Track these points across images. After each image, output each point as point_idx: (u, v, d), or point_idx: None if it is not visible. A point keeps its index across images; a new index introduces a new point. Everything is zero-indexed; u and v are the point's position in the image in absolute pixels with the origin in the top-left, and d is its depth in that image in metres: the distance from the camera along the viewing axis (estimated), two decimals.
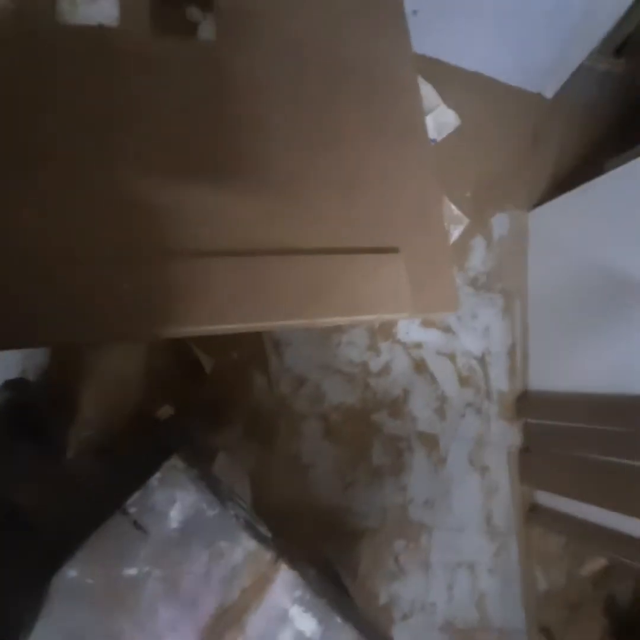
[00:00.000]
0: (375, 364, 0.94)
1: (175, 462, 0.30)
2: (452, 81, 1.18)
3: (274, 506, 0.82)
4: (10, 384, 0.65)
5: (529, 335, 1.08)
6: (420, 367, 0.98)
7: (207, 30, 0.54)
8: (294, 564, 0.31)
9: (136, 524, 0.28)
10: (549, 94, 1.27)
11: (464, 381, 1.01)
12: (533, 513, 0.95)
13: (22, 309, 0.32)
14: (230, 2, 0.45)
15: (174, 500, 0.29)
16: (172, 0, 0.52)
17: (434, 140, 1.11)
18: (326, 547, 0.84)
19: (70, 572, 0.26)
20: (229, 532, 0.30)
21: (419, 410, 0.96)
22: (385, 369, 0.95)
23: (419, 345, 0.99)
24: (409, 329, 0.99)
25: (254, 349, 0.86)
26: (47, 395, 0.76)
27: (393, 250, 0.41)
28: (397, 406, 0.95)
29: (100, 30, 0.41)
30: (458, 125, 1.14)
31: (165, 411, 0.74)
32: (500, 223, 1.14)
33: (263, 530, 0.33)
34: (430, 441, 0.95)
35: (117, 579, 0.26)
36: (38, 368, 0.76)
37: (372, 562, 0.86)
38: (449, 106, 1.15)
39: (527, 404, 1.00)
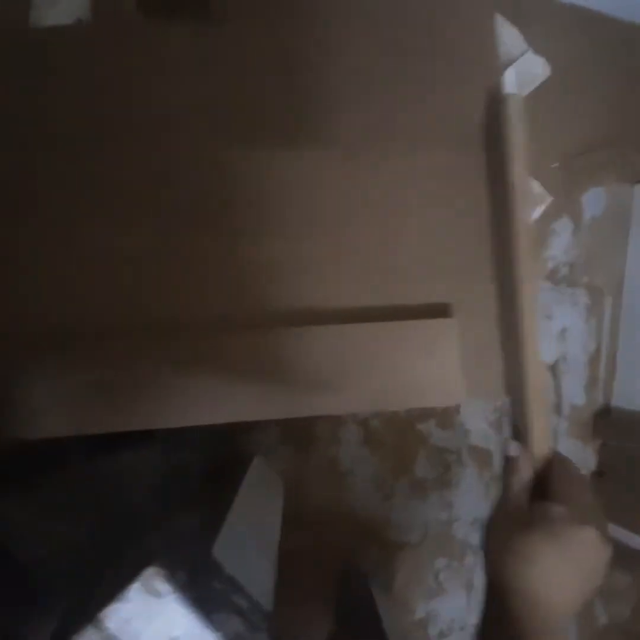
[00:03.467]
0: None
1: (155, 570, 0.26)
2: (542, 18, 0.94)
3: (310, 512, 0.80)
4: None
5: (619, 341, 0.90)
6: None
7: None
8: None
9: None
10: None
11: None
12: None
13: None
14: None
15: (152, 616, 0.26)
16: None
17: None
18: (362, 556, 0.82)
19: None
20: None
21: (472, 422, 0.87)
22: None
23: None
24: None
25: None
26: None
27: (443, 309, 0.32)
28: (447, 416, 0.86)
29: (81, 28, 0.34)
30: (548, 76, 0.92)
31: None
32: (594, 201, 0.93)
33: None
34: (483, 457, 0.86)
35: None
36: None
37: (410, 576, 0.83)
38: (538, 51, 0.92)
39: (608, 423, 0.85)
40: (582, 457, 0.88)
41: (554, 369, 0.89)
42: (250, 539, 0.50)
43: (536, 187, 0.91)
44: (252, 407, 0.29)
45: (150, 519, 0.44)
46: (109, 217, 0.31)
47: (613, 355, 0.90)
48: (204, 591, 0.28)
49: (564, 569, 0.28)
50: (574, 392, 0.89)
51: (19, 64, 0.32)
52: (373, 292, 0.30)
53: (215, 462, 0.75)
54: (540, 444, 0.31)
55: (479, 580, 0.84)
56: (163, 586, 0.25)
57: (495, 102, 0.31)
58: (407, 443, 0.85)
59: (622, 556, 0.81)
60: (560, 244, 0.91)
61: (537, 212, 0.91)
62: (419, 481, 0.84)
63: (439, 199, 0.31)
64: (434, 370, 0.29)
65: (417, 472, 0.85)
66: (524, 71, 0.91)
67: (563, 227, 0.91)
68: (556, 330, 0.90)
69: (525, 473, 0.32)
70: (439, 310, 0.31)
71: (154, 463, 0.60)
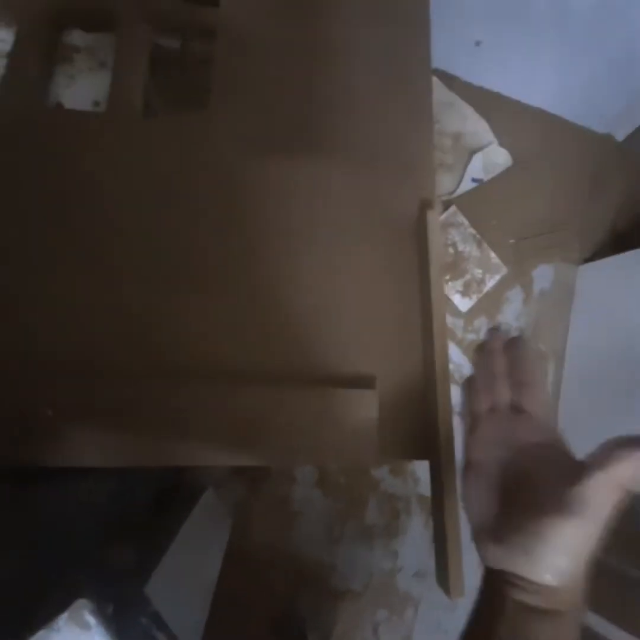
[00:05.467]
0: None
1: (84, 602, 0.27)
2: (511, 117, 1.10)
3: (254, 551, 0.79)
4: None
5: (560, 404, 0.97)
6: None
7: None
8: None
9: None
10: (619, 136, 1.15)
11: None
12: None
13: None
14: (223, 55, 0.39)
15: None
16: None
17: (480, 180, 1.04)
18: (301, 602, 0.80)
19: None
20: None
21: (423, 471, 0.90)
22: None
23: None
24: None
25: None
26: None
27: (369, 381, 0.36)
28: (399, 464, 0.89)
29: (96, 117, 0.37)
30: (509, 166, 1.06)
31: None
32: (543, 276, 1.04)
33: None
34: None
35: None
36: None
37: (349, 627, 0.81)
38: (503, 143, 1.07)
39: None
40: None
41: None
42: (186, 576, 0.50)
43: (494, 258, 1.02)
44: (197, 452, 0.31)
45: (88, 550, 0.43)
46: (98, 274, 0.34)
47: (554, 418, 0.97)
48: (129, 625, 0.29)
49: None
50: None
51: (24, 141, 0.35)
52: (311, 358, 0.34)
53: (165, 492, 0.74)
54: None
55: (419, 637, 0.83)
56: (90, 618, 0.26)
57: (422, 212, 0.37)
58: (360, 487, 0.86)
59: None
60: (513, 311, 1.00)
61: (493, 281, 1.01)
62: (367, 527, 0.85)
63: (375, 288, 0.36)
64: (353, 433, 0.32)
65: (366, 517, 0.86)
66: (489, 159, 1.05)
67: (515, 296, 1.01)
68: None
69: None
70: (365, 381, 0.34)
71: (96, 493, 0.59)
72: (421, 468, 0.90)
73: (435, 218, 0.38)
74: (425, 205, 0.40)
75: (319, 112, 0.42)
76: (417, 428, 0.36)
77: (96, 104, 0.41)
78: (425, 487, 0.89)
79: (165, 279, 0.35)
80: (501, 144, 1.06)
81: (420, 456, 0.36)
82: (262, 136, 0.40)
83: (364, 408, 0.34)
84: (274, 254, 0.37)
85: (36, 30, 0.38)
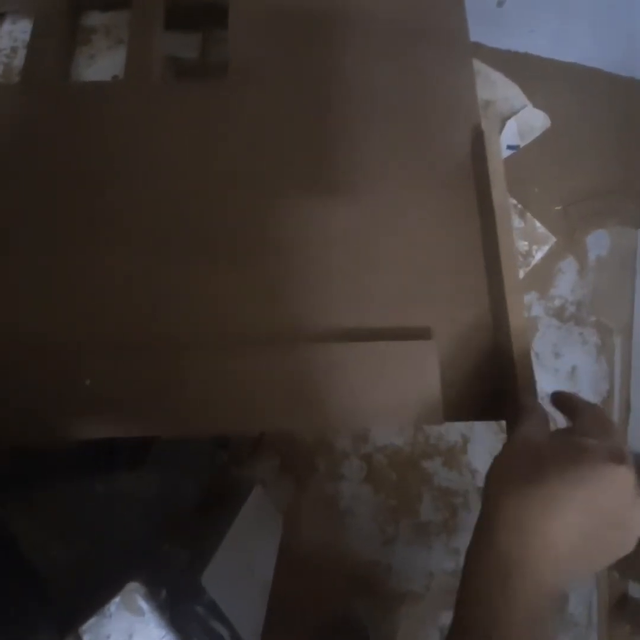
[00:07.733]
0: None
1: (136, 586, 0.26)
2: (544, 76, 1.02)
3: (304, 552, 0.76)
4: None
5: (632, 382, 0.87)
6: None
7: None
8: None
9: None
10: None
11: None
12: (621, 607, 0.75)
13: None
14: (243, 40, 0.39)
15: (131, 633, 0.25)
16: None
17: (516, 147, 0.96)
18: (360, 606, 0.76)
19: None
20: None
21: (479, 462, 0.83)
22: None
23: None
24: None
25: None
26: None
27: (424, 333, 0.32)
28: (453, 455, 0.83)
29: (114, 84, 0.39)
30: (547, 127, 0.97)
31: None
32: (598, 242, 0.94)
33: None
34: None
35: None
36: None
37: (413, 632, 0.76)
38: (538, 106, 0.99)
39: None
40: None
41: None
42: (241, 571, 0.48)
43: (540, 228, 0.94)
44: (239, 419, 0.29)
45: (141, 541, 0.42)
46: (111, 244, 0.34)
47: (626, 398, 0.87)
48: (184, 613, 0.27)
49: (588, 517, 0.19)
50: None
51: (51, 112, 0.36)
52: (358, 314, 0.31)
53: (213, 488, 0.73)
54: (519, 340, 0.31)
55: None
56: (144, 603, 0.25)
57: (478, 139, 0.35)
58: (412, 482, 0.82)
59: None
60: (567, 283, 0.91)
61: (542, 253, 0.93)
62: (423, 524, 0.80)
63: (426, 234, 0.34)
64: (412, 389, 0.29)
65: (422, 514, 0.80)
66: (524, 123, 0.97)
67: (568, 267, 0.92)
68: (565, 369, 0.88)
69: (539, 409, 0.24)
70: (420, 333, 0.32)
71: (148, 486, 0.59)
72: (477, 459, 0.83)
73: (496, 140, 0.35)
74: (479, 130, 0.37)
75: (352, 62, 0.40)
76: (488, 385, 0.32)
77: (115, 77, 0.41)
78: (483, 480, 0.82)
79: (197, 248, 0.34)
80: (536, 106, 0.98)
81: (492, 416, 0.33)
82: (287, 106, 0.39)
83: (422, 361, 0.31)
84: (311, 209, 0.35)
85: (54, 16, 0.39)
